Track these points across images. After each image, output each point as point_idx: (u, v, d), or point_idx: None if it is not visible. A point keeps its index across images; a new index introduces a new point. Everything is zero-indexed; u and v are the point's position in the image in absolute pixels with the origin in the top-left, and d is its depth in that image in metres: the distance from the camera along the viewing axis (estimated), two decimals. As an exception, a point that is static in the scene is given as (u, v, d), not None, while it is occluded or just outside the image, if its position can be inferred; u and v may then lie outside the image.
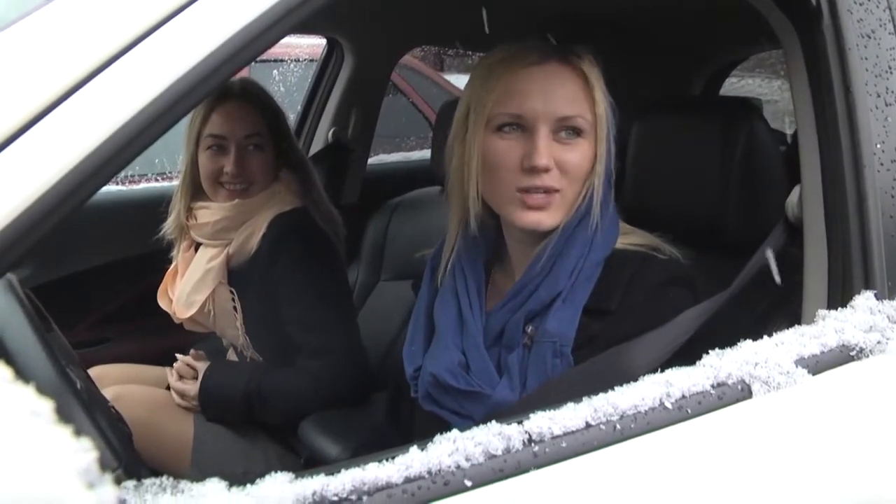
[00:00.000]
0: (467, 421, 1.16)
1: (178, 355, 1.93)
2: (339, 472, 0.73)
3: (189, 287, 1.92)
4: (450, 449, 0.77)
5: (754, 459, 0.93)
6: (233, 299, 1.91)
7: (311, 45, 3.29)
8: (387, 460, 0.75)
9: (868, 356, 1.05)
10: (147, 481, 0.66)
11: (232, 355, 2.05)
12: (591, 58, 1.19)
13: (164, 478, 0.67)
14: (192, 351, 1.95)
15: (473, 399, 1.18)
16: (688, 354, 1.02)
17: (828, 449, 0.99)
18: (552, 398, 0.91)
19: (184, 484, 0.67)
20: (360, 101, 2.65)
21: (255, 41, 0.80)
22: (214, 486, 0.67)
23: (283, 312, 1.86)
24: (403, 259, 2.31)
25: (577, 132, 1.16)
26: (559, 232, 1.18)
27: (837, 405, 1.02)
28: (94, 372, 2.03)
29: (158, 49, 0.76)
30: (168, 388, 1.93)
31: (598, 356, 1.09)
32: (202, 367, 1.88)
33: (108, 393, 1.84)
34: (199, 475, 1.82)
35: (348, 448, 1.73)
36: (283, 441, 1.91)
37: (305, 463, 1.85)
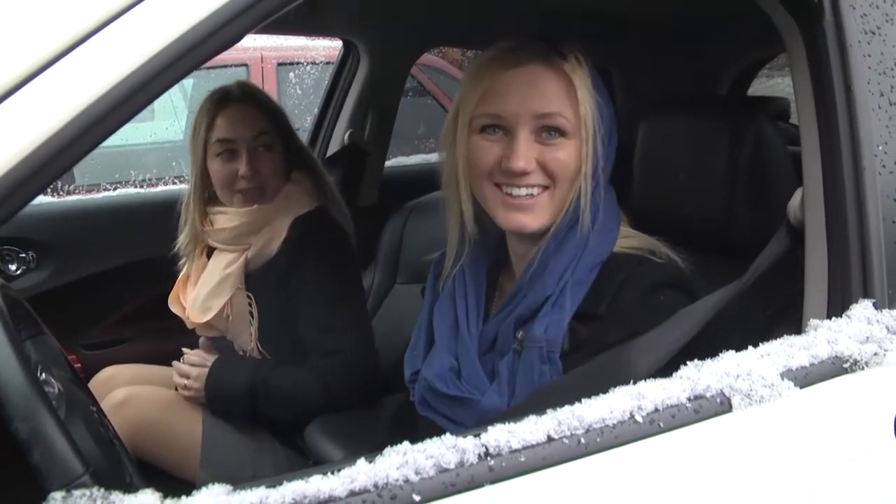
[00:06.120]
0: (460, 427, 1.15)
1: (185, 350, 1.93)
2: (280, 484, 0.71)
3: (205, 292, 1.91)
4: (398, 462, 0.75)
5: (732, 477, 0.89)
6: (249, 304, 1.91)
7: (327, 47, 3.31)
8: (331, 472, 0.73)
9: (863, 368, 1.00)
10: (77, 493, 0.65)
11: (241, 359, 2.05)
12: (577, 56, 1.15)
13: (95, 489, 0.66)
14: (202, 340, 1.95)
15: (463, 405, 1.18)
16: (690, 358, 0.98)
17: (815, 467, 0.94)
18: (545, 405, 0.88)
19: (115, 496, 0.66)
20: (376, 103, 2.64)
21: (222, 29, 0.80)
22: (147, 498, 0.66)
23: (299, 313, 1.85)
24: (419, 262, 2.28)
25: (559, 132, 1.14)
26: (550, 235, 1.16)
27: (827, 421, 0.97)
28: (107, 372, 2.05)
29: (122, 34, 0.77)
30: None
31: (594, 360, 1.06)
32: (211, 357, 1.88)
33: (118, 394, 1.86)
34: (207, 477, 1.83)
35: (353, 453, 1.71)
36: (293, 443, 1.91)
37: (314, 466, 1.84)
